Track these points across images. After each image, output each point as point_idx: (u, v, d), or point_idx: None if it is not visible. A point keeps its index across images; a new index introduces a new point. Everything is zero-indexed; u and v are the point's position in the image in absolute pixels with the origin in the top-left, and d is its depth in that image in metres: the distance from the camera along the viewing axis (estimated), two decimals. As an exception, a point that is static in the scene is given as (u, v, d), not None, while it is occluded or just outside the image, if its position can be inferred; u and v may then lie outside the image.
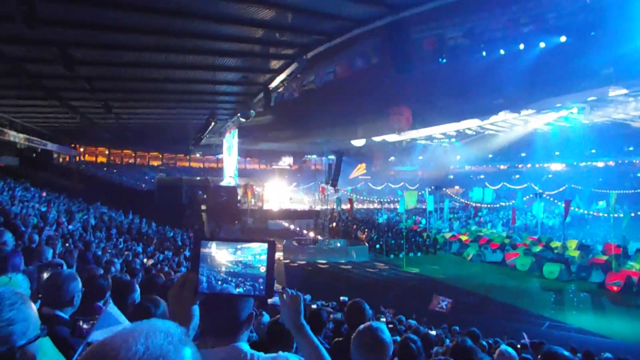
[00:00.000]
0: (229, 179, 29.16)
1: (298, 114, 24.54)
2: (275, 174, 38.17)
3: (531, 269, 16.49)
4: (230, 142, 27.60)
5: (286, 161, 44.74)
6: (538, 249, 17.97)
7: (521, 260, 17.03)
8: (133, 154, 38.36)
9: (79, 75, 13.71)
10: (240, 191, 28.80)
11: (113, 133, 27.98)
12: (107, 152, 36.85)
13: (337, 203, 28.13)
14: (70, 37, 11.10)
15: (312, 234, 23.32)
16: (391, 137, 34.32)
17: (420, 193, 28.27)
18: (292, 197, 34.90)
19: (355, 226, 23.69)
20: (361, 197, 34.75)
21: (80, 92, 15.76)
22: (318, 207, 30.31)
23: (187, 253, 11.83)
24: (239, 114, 18.92)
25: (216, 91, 17.44)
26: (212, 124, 22.01)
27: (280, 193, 33.66)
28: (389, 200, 32.39)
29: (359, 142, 35.19)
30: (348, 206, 25.95)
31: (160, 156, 39.41)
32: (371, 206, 33.58)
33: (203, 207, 26.40)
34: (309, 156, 44.45)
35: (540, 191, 24.08)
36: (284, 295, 1.51)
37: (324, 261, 18.37)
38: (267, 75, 15.28)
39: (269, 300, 4.33)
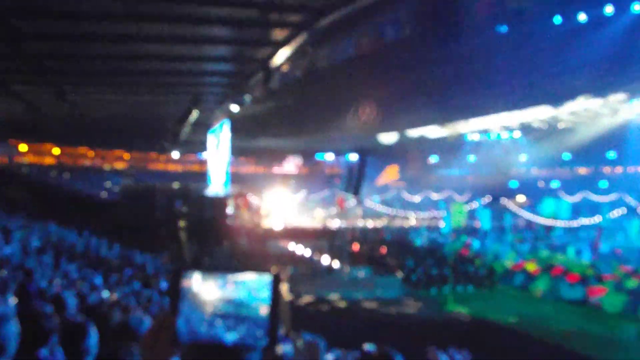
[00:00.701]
0: (216, 186, 29.73)
1: (308, 101, 23.98)
2: (278, 180, 38.81)
3: (625, 310, 16.49)
4: (219, 137, 28.27)
5: (292, 163, 45.54)
6: (634, 283, 17.74)
7: (610, 298, 17.02)
8: (91, 154, 38.81)
9: (25, 53, 13.72)
10: (231, 203, 29.30)
11: (66, 127, 28.76)
12: (57, 152, 37.40)
13: (360, 218, 28.95)
14: (12, 3, 11.10)
15: (326, 260, 23.74)
16: (432, 131, 34.35)
17: (471, 206, 28.49)
18: (300, 210, 35.42)
19: (384, 250, 24.03)
20: (392, 211, 34.86)
21: (26, 75, 15.85)
22: (334, 224, 30.61)
23: (163, 285, 12.05)
24: (230, 101, 19.16)
25: (201, 70, 17.62)
26: (195, 113, 22.33)
27: (284, 205, 34.27)
28: (429, 215, 32.64)
29: (388, 137, 35.45)
30: (374, 223, 27.09)
31: (127, 156, 39.82)
32: (406, 223, 33.63)
33: (182, 223, 27.03)
34: (322, 156, 45.04)
35: (637, 204, 24.10)
36: (298, 343, 1.41)
37: (341, 296, 18.60)
38: (268, 50, 15.38)
39: (277, 351, 3.93)
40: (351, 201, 29.33)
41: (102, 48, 14.51)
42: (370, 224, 28.55)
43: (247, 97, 18.85)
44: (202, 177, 35.24)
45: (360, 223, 28.66)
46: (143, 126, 29.10)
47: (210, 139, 30.47)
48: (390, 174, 42.77)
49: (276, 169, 44.59)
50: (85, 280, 10.15)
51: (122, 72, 17.08)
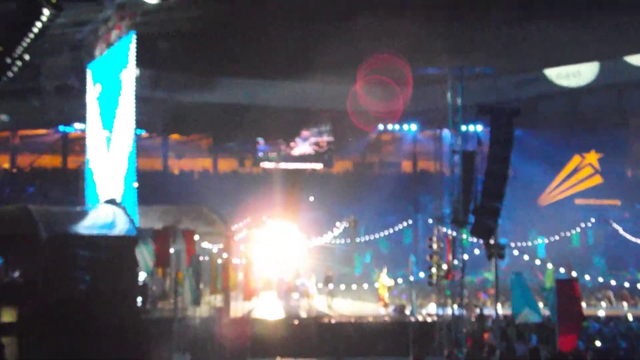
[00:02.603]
0: (106, 212, 24.26)
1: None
2: (276, 192, 39.59)
3: None
4: (116, 81, 27.10)
5: (311, 141, 43.10)
6: None
7: None
8: None
9: None
10: (146, 255, 26.36)
11: None
12: None
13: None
14: None
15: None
16: None
17: None
18: (340, 270, 34.66)
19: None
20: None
21: None
22: (430, 308, 27.35)
23: None
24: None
25: None
26: (49, 12, 18.64)
27: (293, 259, 33.39)
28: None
29: (584, 72, 37.02)
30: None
31: None
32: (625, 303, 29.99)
33: (8, 316, 20.80)
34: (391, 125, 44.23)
35: None
36: None
37: None
38: None
39: None
40: (474, 245, 27.10)
41: None
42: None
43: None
44: (69, 185, 35.01)
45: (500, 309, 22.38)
46: None
47: (93, 90, 29.11)
48: (580, 174, 40.18)
49: (268, 163, 43.43)
50: None
51: None
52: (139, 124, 28.42)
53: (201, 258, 27.18)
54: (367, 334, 23.83)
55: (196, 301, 24.55)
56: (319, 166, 46.22)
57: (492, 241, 20.56)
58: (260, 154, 45.47)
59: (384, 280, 29.05)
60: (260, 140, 44.54)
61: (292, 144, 45.20)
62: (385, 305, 27.92)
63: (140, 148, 31.73)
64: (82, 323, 19.89)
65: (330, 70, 32.48)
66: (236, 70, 35.98)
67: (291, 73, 35.56)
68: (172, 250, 25.28)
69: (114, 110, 26.99)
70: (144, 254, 26.04)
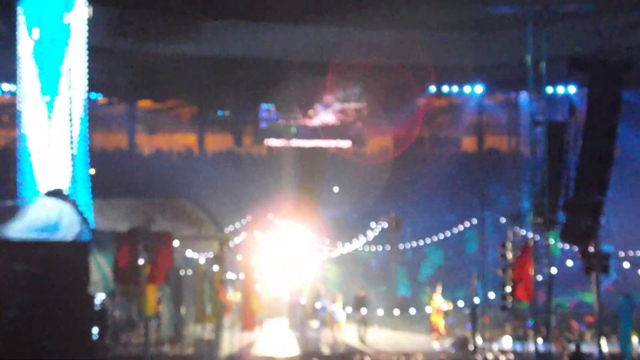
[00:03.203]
0: (48, 204, 25.32)
1: None
2: (281, 183, 39.76)
3: None
4: (59, 24, 27.44)
5: (341, 110, 44.21)
6: None
7: None
8: None
9: None
10: (105, 269, 26.64)
11: None
12: None
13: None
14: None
15: None
16: None
17: None
18: (376, 289, 35.83)
19: None
20: None
21: None
22: (504, 342, 28.26)
23: None
24: None
25: None
26: None
27: (311, 273, 33.96)
28: None
29: None
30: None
31: None
32: None
33: None
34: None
35: None
36: None
37: None
38: None
39: None
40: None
41: None
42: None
43: None
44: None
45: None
46: None
47: (28, 38, 28.10)
48: None
49: (275, 139, 43.15)
50: None
51: None
52: (94, 86, 28.61)
53: (182, 272, 28.04)
54: (415, 378, 22.91)
55: (176, 333, 24.87)
56: (346, 144, 45.44)
57: (591, 249, 20.60)
58: (264, 127, 44.67)
59: (439, 303, 28.63)
60: (265, 107, 43.96)
61: (310, 112, 44.72)
62: (441, 338, 27.66)
63: (97, 119, 32.67)
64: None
65: (361, 8, 31.57)
66: (229, 10, 36.04)
67: (306, 13, 35.45)
68: (141, 262, 24.64)
69: (58, 67, 26.75)
70: (102, 267, 25.81)
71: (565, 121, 23.47)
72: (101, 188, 27.12)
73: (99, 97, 37.90)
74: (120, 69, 37.08)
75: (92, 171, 26.67)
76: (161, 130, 45.26)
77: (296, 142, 43.32)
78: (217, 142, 45.53)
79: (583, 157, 21.02)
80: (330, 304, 29.10)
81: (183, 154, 44.80)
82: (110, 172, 32.48)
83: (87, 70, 26.35)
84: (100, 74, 29.75)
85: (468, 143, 47.07)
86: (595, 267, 20.75)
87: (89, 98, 27.67)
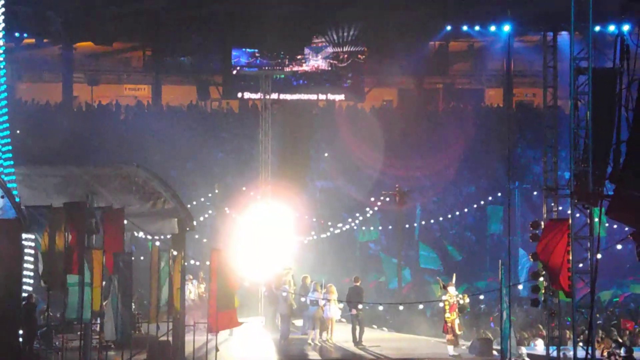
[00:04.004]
0: None
1: None
2: (258, 147, 37.74)
3: None
4: None
5: (334, 54, 46.88)
6: None
7: None
8: None
9: None
10: (36, 254, 26.18)
11: None
12: None
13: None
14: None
15: None
16: None
17: None
18: (376, 279, 37.25)
19: None
20: None
21: None
22: (536, 346, 28.37)
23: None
24: None
25: None
26: None
27: (293, 259, 34.68)
28: None
29: None
30: None
31: None
32: None
33: None
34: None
35: None
36: None
37: None
38: None
39: None
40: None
41: None
42: None
43: None
44: None
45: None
46: None
47: None
48: None
49: (250, 92, 43.80)
50: None
51: None
52: (18, 23, 29.02)
53: (134, 258, 26.95)
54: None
55: (124, 334, 24.62)
56: (338, 97, 45.81)
57: None
58: (237, 73, 44.53)
59: (453, 296, 27.76)
60: (239, 51, 43.96)
61: (297, 57, 45.47)
62: (456, 341, 26.87)
63: (22, 64, 32.63)
64: None
65: None
66: None
67: None
68: (82, 246, 24.27)
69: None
70: (34, 252, 25.87)
71: (617, 68, 21.88)
72: (29, 152, 26.48)
73: (25, 38, 37.99)
74: (52, 1, 36.54)
75: (17, 132, 26.09)
76: (105, 80, 45.38)
77: (279, 96, 42.80)
78: (177, 94, 45.61)
79: (638, 115, 19.36)
80: (319, 297, 28.38)
81: (133, 109, 44.55)
82: (40, 133, 31.96)
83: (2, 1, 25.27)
84: (25, 8, 29.69)
85: (492, 96, 47.50)
86: (652, 252, 20.23)
87: (8, 38, 27.13)
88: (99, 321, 26.29)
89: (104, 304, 25.84)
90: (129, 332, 25.09)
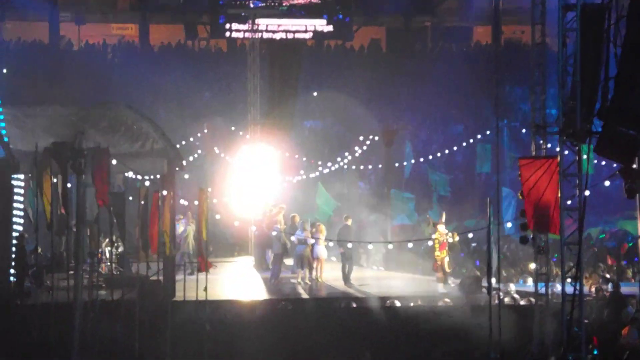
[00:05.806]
0: None
1: None
2: (246, 87, 37.97)
3: None
4: None
5: None
6: None
7: None
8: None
9: None
10: (25, 194, 29.34)
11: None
12: None
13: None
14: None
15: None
16: None
17: None
18: (366, 217, 35.69)
19: None
20: None
21: None
22: (526, 283, 29.56)
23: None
24: None
25: None
26: None
27: (283, 199, 34.50)
28: None
29: None
30: None
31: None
32: None
33: None
34: None
35: None
36: None
37: None
38: None
39: None
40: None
41: None
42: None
43: None
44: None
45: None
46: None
47: None
48: None
49: (238, 31, 44.70)
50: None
51: None
52: None
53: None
54: (412, 329, 23.32)
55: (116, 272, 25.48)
56: (327, 29, 46.18)
57: (635, 165, 20.51)
58: (225, 11, 44.27)
59: (443, 234, 28.08)
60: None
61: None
62: (445, 278, 27.27)
63: (6, 3, 32.17)
64: None
65: None
66: None
67: None
68: (69, 185, 25.72)
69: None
70: (25, 193, 27.24)
71: (606, 4, 21.98)
72: (16, 93, 26.41)
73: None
74: None
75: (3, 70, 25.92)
76: (92, 19, 45.03)
77: (266, 35, 43.12)
78: (165, 33, 45.60)
79: (626, 51, 19.89)
80: (308, 236, 28.58)
81: (121, 48, 44.61)
82: (27, 72, 32.07)
83: None
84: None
85: (480, 34, 47.50)
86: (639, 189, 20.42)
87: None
88: (88, 261, 26.22)
89: (102, 243, 27.06)
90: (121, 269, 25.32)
